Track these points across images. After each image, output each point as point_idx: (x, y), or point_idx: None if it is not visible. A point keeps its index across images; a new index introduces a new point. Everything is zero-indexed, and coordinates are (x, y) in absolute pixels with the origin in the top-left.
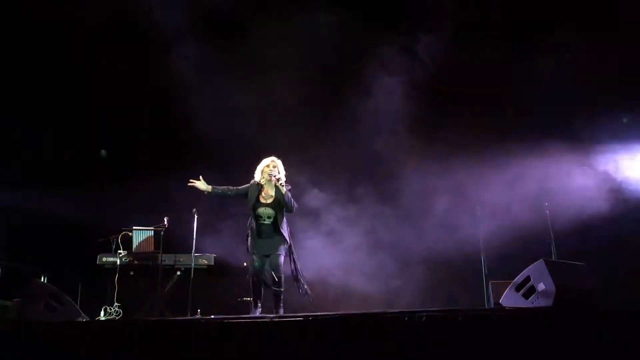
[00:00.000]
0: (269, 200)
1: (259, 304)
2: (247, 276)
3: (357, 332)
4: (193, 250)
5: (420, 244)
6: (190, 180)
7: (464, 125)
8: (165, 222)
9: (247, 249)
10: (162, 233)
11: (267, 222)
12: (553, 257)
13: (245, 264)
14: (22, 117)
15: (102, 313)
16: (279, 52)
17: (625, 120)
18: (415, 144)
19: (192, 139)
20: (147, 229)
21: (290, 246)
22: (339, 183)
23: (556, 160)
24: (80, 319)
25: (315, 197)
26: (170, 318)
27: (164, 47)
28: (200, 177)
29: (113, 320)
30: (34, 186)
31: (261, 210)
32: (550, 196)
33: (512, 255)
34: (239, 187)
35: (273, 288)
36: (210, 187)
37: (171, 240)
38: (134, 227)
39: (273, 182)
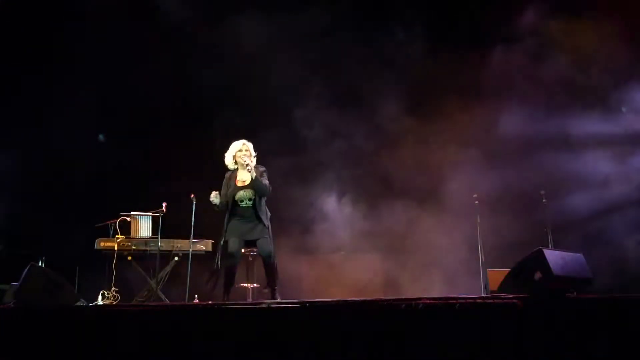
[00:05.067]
0: (247, 183)
1: (229, 294)
2: (217, 263)
3: (354, 319)
4: (191, 236)
5: (418, 231)
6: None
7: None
8: (164, 208)
9: (223, 234)
10: (160, 218)
11: (248, 204)
12: (550, 247)
13: (243, 250)
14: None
15: (99, 297)
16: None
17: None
18: (413, 131)
19: (192, 121)
20: (145, 214)
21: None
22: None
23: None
24: (78, 303)
25: (313, 180)
26: (167, 303)
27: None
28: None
29: (110, 304)
30: (32, 170)
31: (240, 193)
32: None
33: (509, 244)
34: (223, 191)
35: (268, 282)
36: (218, 200)
37: (169, 226)
38: (132, 212)
39: (247, 169)
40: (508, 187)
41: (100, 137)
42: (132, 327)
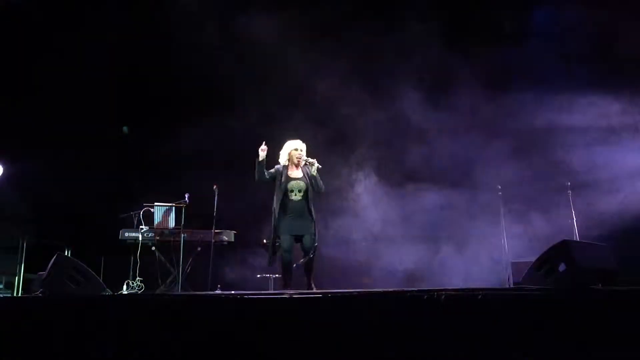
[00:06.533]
0: (299, 175)
1: (290, 285)
2: (269, 260)
3: (376, 310)
4: (213, 227)
5: (441, 222)
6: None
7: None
8: (186, 198)
9: (273, 229)
10: (183, 209)
11: (298, 197)
12: (575, 238)
13: (264, 240)
14: (45, 92)
15: (124, 287)
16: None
17: None
18: (436, 121)
19: (214, 111)
20: (168, 205)
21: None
22: (361, 152)
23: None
24: (103, 293)
25: (336, 168)
26: (190, 293)
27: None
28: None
29: (135, 294)
30: (58, 162)
31: (292, 183)
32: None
33: (533, 235)
34: (271, 171)
35: (306, 271)
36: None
37: (192, 216)
38: (156, 203)
39: (302, 164)
40: (532, 178)
41: (124, 129)
42: (156, 316)
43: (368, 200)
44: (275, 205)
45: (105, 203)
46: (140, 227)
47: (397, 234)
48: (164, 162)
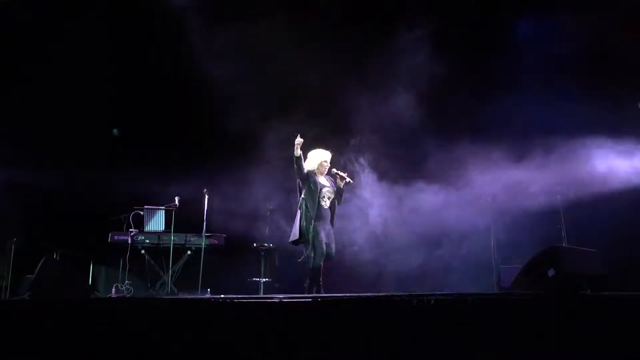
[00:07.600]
0: (327, 184)
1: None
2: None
3: (365, 314)
4: (204, 230)
5: (431, 226)
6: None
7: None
8: (176, 202)
9: (303, 233)
10: (173, 212)
11: (327, 204)
12: (563, 243)
13: (255, 244)
14: (35, 94)
15: (113, 290)
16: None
17: None
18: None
19: (205, 118)
20: (158, 208)
21: None
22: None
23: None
24: (92, 296)
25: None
26: (180, 297)
27: (177, 19)
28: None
29: (124, 297)
30: (47, 164)
31: (324, 190)
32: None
33: (522, 241)
34: (308, 170)
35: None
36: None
37: (182, 220)
38: (146, 206)
39: (337, 178)
40: (522, 184)
41: (115, 131)
42: (145, 320)
43: (359, 202)
44: (310, 209)
45: (94, 205)
46: (130, 230)
47: (387, 236)
48: (154, 165)
